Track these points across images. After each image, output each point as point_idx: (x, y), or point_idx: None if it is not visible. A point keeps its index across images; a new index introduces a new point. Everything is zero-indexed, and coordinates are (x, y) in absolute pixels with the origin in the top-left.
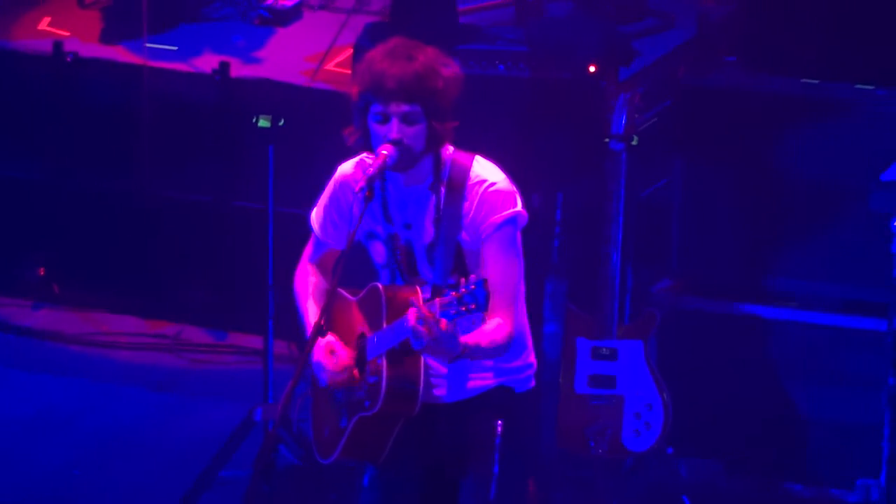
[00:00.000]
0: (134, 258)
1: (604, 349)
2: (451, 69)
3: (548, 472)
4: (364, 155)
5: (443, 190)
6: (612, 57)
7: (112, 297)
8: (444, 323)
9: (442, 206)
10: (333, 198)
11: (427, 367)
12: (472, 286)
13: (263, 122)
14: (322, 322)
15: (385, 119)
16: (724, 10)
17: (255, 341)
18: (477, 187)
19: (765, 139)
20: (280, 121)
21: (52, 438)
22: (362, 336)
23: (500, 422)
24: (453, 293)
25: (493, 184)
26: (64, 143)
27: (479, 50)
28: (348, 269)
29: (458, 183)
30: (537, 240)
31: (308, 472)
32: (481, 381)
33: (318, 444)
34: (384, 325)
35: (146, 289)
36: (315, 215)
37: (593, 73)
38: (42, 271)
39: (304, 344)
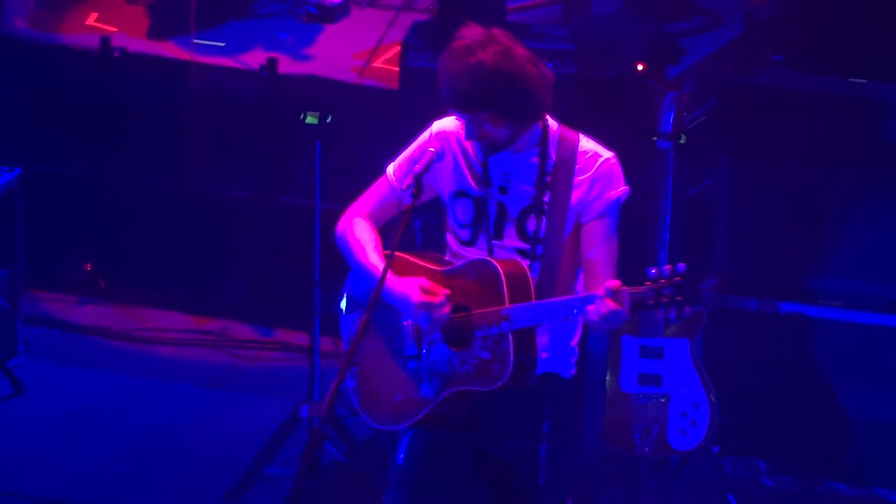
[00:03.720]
0: (180, 254)
1: (650, 347)
2: (515, 63)
3: (592, 470)
4: None
5: (550, 160)
6: (659, 55)
7: (158, 292)
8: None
9: (549, 173)
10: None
11: None
12: (677, 278)
13: (311, 119)
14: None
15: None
16: (772, 9)
17: (300, 338)
18: (592, 160)
19: (811, 138)
20: (327, 117)
21: (97, 434)
22: (461, 308)
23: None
24: (648, 283)
25: (608, 159)
26: (110, 138)
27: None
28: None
29: (568, 154)
30: None
31: (353, 469)
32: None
33: (373, 410)
34: (507, 304)
35: (192, 284)
36: (397, 166)
37: (641, 71)
38: (88, 267)
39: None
